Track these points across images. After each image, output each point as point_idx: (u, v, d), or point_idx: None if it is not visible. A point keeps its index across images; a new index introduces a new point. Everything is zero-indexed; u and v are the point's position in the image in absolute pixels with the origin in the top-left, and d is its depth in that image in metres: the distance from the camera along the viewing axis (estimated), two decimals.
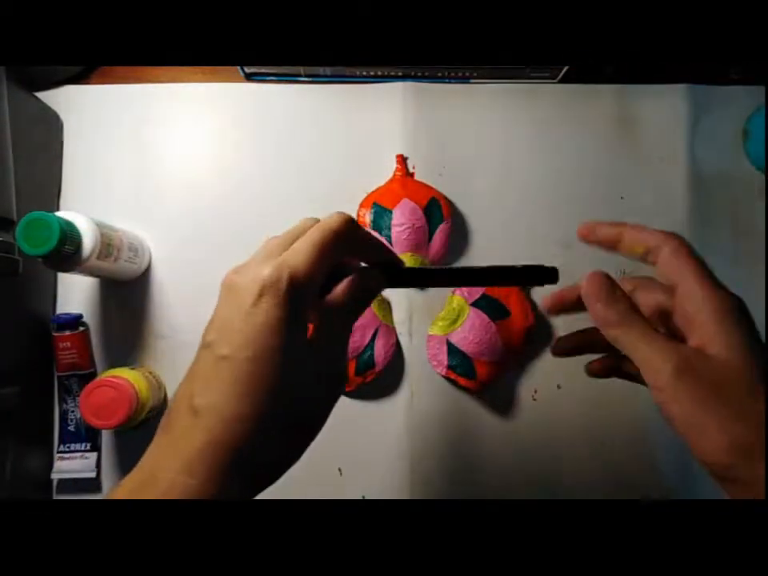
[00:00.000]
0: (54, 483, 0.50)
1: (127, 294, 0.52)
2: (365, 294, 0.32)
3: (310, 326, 0.30)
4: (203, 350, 0.30)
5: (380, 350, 0.50)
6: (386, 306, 0.52)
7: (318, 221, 0.32)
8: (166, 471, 0.27)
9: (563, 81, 0.55)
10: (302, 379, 0.28)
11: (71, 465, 0.49)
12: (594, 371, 0.37)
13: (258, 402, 0.26)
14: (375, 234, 0.52)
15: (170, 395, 0.51)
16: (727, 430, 0.28)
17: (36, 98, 0.52)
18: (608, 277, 0.31)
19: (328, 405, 0.30)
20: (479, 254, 0.53)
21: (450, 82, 0.55)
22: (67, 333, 0.49)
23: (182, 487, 0.26)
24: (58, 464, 0.50)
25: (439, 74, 0.54)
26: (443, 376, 0.51)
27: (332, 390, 0.31)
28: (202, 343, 0.30)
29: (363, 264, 0.33)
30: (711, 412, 0.28)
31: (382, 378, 0.51)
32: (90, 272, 0.46)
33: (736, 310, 0.30)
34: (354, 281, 0.31)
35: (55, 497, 0.50)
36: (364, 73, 0.54)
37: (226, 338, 0.28)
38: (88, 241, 0.42)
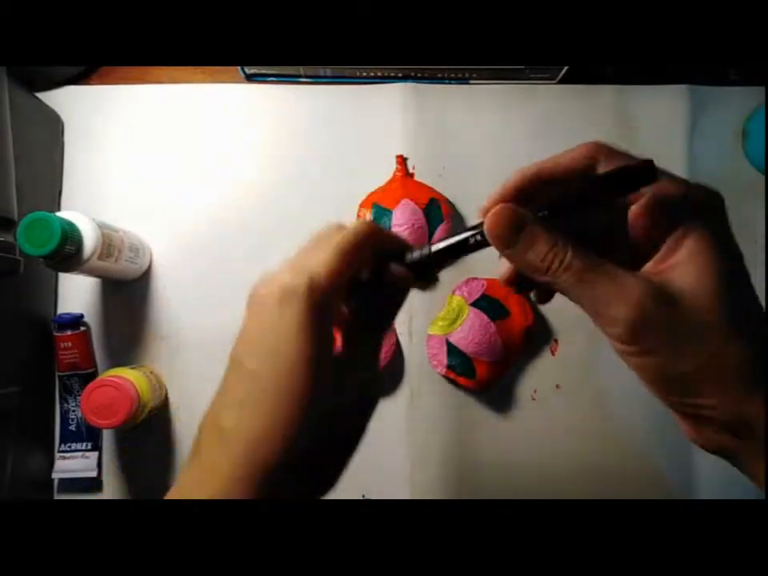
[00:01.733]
0: (55, 483, 0.51)
1: (128, 294, 0.52)
2: (392, 298, 0.29)
3: (337, 336, 0.28)
4: (231, 366, 0.27)
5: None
6: None
7: (341, 225, 0.31)
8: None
9: (563, 81, 0.55)
10: (331, 391, 0.26)
11: (72, 464, 0.50)
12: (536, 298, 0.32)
13: (284, 418, 0.24)
14: None
15: (170, 395, 0.51)
16: (705, 380, 0.25)
17: (36, 98, 0.52)
18: (513, 210, 0.26)
19: (363, 417, 0.28)
20: (479, 254, 0.53)
21: (450, 83, 0.55)
22: (68, 333, 0.50)
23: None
24: (59, 463, 0.50)
25: (439, 75, 0.54)
26: (443, 376, 0.51)
27: (365, 401, 0.28)
28: (230, 359, 0.28)
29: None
30: (680, 362, 0.24)
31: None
32: (90, 272, 0.46)
33: (716, 221, 0.26)
34: (381, 283, 0.29)
35: (56, 496, 0.51)
36: (364, 73, 0.54)
37: (250, 351, 0.26)
38: (89, 241, 0.42)
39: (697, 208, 0.26)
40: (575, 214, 0.26)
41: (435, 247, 0.29)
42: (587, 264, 0.25)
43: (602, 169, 0.27)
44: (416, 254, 0.29)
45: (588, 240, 0.26)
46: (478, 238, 0.28)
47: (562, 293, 0.26)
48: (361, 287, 0.29)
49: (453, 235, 0.29)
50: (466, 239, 0.28)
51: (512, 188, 0.29)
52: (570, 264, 0.25)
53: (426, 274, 0.30)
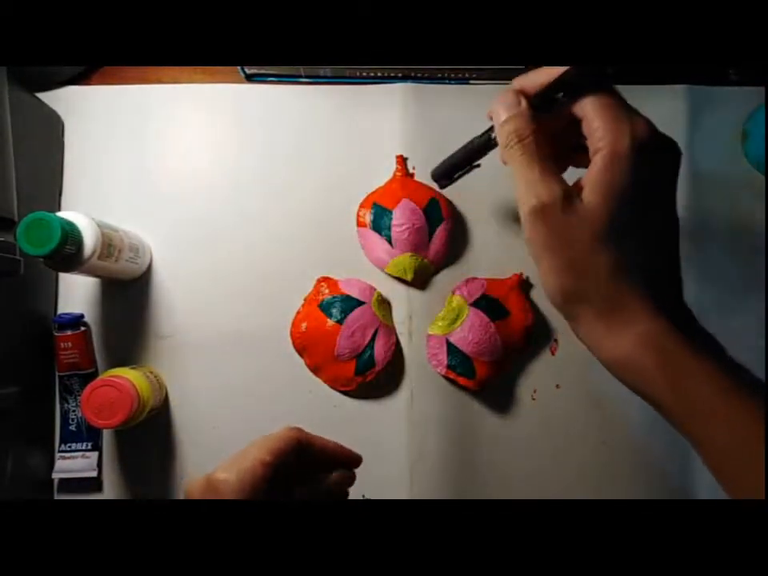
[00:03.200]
0: (55, 483, 0.51)
1: (128, 294, 0.52)
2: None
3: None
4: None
5: (380, 350, 0.51)
6: (386, 306, 0.52)
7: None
8: None
9: None
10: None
11: (72, 464, 0.50)
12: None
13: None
14: (375, 234, 0.52)
15: (170, 395, 0.52)
16: (561, 275, 0.29)
17: (37, 98, 0.52)
18: (515, 94, 0.32)
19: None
20: (479, 254, 0.54)
21: (449, 83, 0.55)
22: (68, 333, 0.50)
23: None
24: (59, 463, 0.50)
25: (439, 75, 0.54)
26: (443, 376, 0.51)
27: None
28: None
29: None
30: (555, 256, 0.29)
31: (382, 378, 0.51)
32: (90, 272, 0.46)
33: (641, 155, 0.29)
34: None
35: (56, 496, 0.51)
36: (364, 73, 0.54)
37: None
38: (89, 241, 0.42)
39: (622, 133, 0.29)
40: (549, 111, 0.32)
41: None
42: (532, 154, 0.30)
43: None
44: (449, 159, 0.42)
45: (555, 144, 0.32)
46: (492, 135, 0.36)
47: (509, 165, 0.31)
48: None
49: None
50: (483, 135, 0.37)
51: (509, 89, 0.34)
52: (524, 146, 0.30)
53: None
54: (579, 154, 0.34)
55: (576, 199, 0.29)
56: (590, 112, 0.30)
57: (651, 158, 0.29)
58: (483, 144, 0.38)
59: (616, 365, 0.30)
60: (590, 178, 0.29)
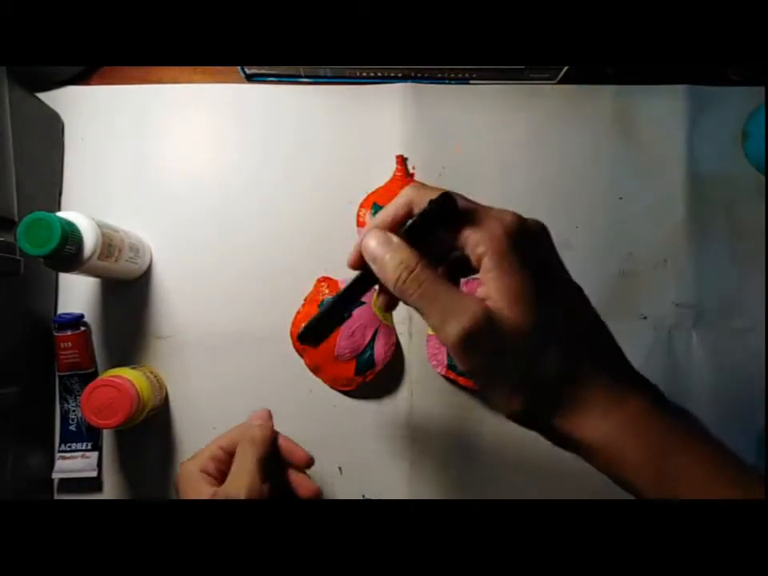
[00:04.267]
0: (55, 483, 0.51)
1: (128, 294, 0.52)
2: None
3: None
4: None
5: (380, 350, 0.51)
6: None
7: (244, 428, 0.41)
8: None
9: (563, 81, 0.55)
10: None
11: (72, 464, 0.50)
12: (381, 306, 0.35)
13: None
14: None
15: (170, 395, 0.52)
16: (518, 392, 0.28)
17: (37, 98, 0.52)
18: (381, 232, 0.29)
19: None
20: None
21: (449, 83, 0.55)
22: (68, 333, 0.50)
23: None
24: (59, 463, 0.50)
25: (439, 75, 0.54)
26: (443, 375, 0.51)
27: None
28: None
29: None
30: (502, 377, 0.27)
31: (382, 378, 0.51)
32: (91, 272, 0.46)
33: (520, 241, 0.28)
34: None
35: (56, 496, 0.51)
36: (364, 73, 0.54)
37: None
38: (89, 241, 0.42)
39: (497, 230, 0.28)
40: (423, 241, 0.30)
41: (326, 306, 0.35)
42: (431, 280, 0.28)
43: (416, 209, 0.31)
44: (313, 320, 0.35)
45: (439, 264, 0.32)
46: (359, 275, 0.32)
47: (413, 306, 0.29)
48: None
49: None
50: (357, 279, 0.32)
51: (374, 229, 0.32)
52: (417, 276, 0.28)
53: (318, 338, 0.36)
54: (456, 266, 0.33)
55: (494, 312, 0.27)
56: (457, 224, 0.29)
57: (528, 240, 0.28)
58: (357, 288, 0.33)
59: (600, 458, 0.28)
60: (490, 287, 0.27)
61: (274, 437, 0.42)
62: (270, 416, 0.43)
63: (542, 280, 0.28)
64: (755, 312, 0.53)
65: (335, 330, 0.37)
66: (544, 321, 0.27)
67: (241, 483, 0.36)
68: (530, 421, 0.29)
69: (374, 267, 0.30)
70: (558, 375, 0.27)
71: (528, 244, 0.28)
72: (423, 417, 0.51)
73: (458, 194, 0.30)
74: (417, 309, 0.28)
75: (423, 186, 0.31)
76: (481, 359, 0.27)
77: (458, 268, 0.33)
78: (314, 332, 0.35)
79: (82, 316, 0.51)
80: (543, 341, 0.27)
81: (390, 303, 0.34)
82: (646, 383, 0.29)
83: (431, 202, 0.29)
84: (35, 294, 0.50)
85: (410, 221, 0.30)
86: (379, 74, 0.54)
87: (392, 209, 0.31)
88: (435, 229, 0.30)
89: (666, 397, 0.29)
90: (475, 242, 0.28)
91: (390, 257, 0.29)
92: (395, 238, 0.29)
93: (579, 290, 0.30)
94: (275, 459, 0.41)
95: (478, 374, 0.28)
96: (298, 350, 0.52)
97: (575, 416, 0.28)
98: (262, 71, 0.54)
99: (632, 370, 0.29)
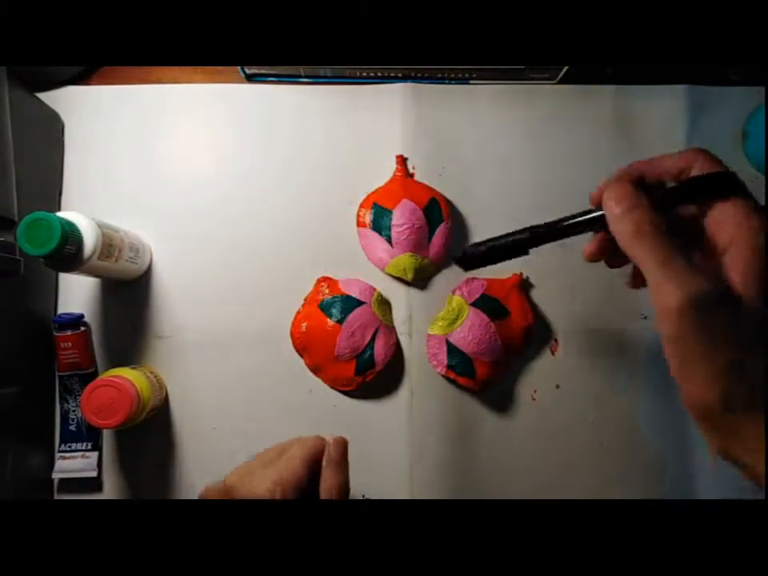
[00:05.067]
0: (55, 483, 0.51)
1: (128, 294, 0.52)
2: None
3: None
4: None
5: (380, 350, 0.51)
6: (386, 306, 0.52)
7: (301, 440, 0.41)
8: None
9: (562, 81, 0.55)
10: None
11: (72, 464, 0.50)
12: (587, 255, 0.34)
13: None
14: (375, 234, 0.52)
15: (170, 395, 0.52)
16: (722, 378, 0.26)
17: (37, 98, 0.52)
18: (632, 183, 0.29)
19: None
20: None
21: (449, 83, 0.55)
22: (68, 333, 0.50)
23: None
24: (59, 463, 0.50)
25: (439, 75, 0.55)
26: (443, 375, 0.51)
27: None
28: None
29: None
30: (709, 358, 0.26)
31: (382, 378, 0.51)
32: (91, 272, 0.46)
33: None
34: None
35: (56, 496, 0.51)
36: (364, 74, 0.54)
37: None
38: (89, 241, 0.42)
39: (760, 226, 0.27)
40: (671, 209, 0.29)
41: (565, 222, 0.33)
42: (670, 241, 0.27)
43: (695, 173, 0.30)
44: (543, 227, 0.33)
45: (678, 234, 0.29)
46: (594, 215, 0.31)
47: (632, 258, 0.28)
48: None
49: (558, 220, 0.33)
50: (592, 217, 0.31)
51: (624, 177, 0.31)
52: (656, 235, 0.27)
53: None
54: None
55: (729, 293, 0.26)
56: (720, 206, 0.28)
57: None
58: (573, 226, 0.32)
59: None
60: (739, 272, 0.26)
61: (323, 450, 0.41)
62: (345, 442, 0.42)
63: None
64: None
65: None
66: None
67: (287, 464, 0.37)
68: (717, 414, 0.26)
69: (610, 215, 0.29)
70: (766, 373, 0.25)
71: None
72: (423, 417, 0.51)
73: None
74: (643, 266, 0.27)
75: (710, 155, 0.30)
76: (694, 332, 0.26)
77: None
78: (489, 256, 0.35)
79: (82, 316, 0.51)
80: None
81: (599, 253, 0.33)
82: None
83: (710, 174, 0.29)
84: (35, 294, 0.50)
85: (669, 185, 0.30)
86: (379, 74, 0.55)
87: (661, 162, 0.31)
88: (693, 202, 0.29)
89: None
90: (741, 227, 0.27)
91: (641, 212, 0.28)
92: (645, 199, 0.28)
93: None
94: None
95: (684, 346, 0.26)
96: (297, 350, 0.52)
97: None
98: (262, 71, 0.54)
99: None
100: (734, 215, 0.28)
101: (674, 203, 0.29)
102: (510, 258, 0.35)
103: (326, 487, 0.40)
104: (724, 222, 0.28)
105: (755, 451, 0.25)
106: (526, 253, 0.34)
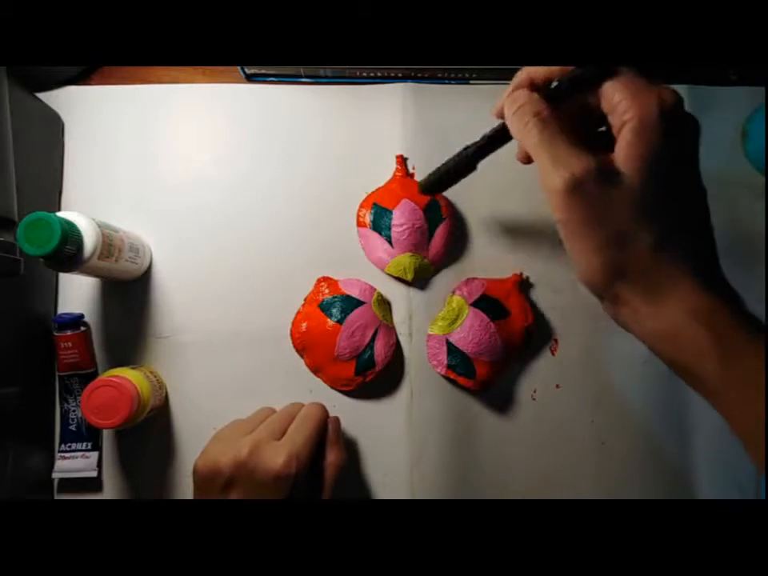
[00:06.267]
0: (55, 483, 0.51)
1: (128, 294, 0.52)
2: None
3: None
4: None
5: (380, 350, 0.50)
6: (386, 305, 0.52)
7: (301, 405, 0.46)
8: None
9: None
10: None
11: (72, 464, 0.50)
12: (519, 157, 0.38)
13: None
14: (375, 234, 0.52)
15: (170, 395, 0.52)
16: (603, 251, 0.28)
17: (37, 98, 0.52)
18: (521, 87, 0.32)
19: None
20: (479, 254, 0.54)
21: (449, 83, 0.55)
22: (68, 333, 0.50)
23: None
24: (59, 463, 0.50)
25: (439, 75, 0.54)
26: (443, 376, 0.51)
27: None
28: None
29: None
30: (595, 232, 0.28)
31: (382, 378, 0.51)
32: (90, 272, 0.46)
33: (670, 123, 0.28)
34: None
35: (56, 496, 0.51)
36: (364, 74, 0.54)
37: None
38: (89, 241, 0.42)
39: (649, 101, 0.28)
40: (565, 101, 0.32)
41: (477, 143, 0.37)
42: (556, 129, 0.29)
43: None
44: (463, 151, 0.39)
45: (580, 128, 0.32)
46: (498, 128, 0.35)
47: (530, 150, 0.30)
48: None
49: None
50: (501, 125, 0.35)
51: (515, 84, 0.34)
52: (542, 120, 0.29)
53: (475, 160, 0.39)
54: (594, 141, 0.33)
55: (611, 172, 0.27)
56: (608, 89, 0.29)
57: (678, 127, 0.29)
58: (496, 137, 0.36)
59: (663, 340, 0.28)
60: (621, 151, 0.28)
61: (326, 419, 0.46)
62: (338, 420, 0.48)
63: (675, 163, 0.28)
64: (755, 312, 0.53)
65: (457, 182, 0.40)
66: (660, 196, 0.27)
67: (298, 438, 0.40)
68: (602, 285, 0.29)
69: (507, 115, 0.31)
70: (650, 249, 0.27)
71: (677, 128, 0.28)
72: (423, 417, 0.51)
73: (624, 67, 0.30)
74: (533, 154, 0.29)
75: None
76: (579, 210, 0.27)
77: (591, 136, 0.33)
78: (443, 180, 0.39)
79: (81, 316, 0.51)
80: (650, 213, 0.27)
81: (525, 156, 0.35)
82: (731, 291, 0.29)
83: (585, 69, 0.31)
84: (35, 294, 0.50)
85: (556, 82, 0.32)
86: (379, 74, 0.55)
87: (543, 70, 0.33)
88: (583, 90, 0.31)
89: (745, 307, 0.29)
90: (624, 108, 0.28)
91: (527, 107, 0.30)
92: (535, 94, 0.31)
93: (705, 192, 0.30)
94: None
95: (571, 224, 0.28)
96: (297, 350, 0.52)
97: (648, 296, 0.28)
98: (262, 71, 0.54)
99: (720, 276, 0.30)
100: (624, 97, 0.29)
101: (561, 97, 0.32)
102: (460, 177, 0.40)
103: (330, 461, 0.43)
104: (618, 104, 0.29)
105: (637, 314, 0.28)
106: (473, 168, 0.39)
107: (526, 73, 0.33)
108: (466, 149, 0.38)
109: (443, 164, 0.38)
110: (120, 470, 0.51)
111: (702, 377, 0.28)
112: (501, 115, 0.34)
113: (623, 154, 0.28)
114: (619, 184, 0.27)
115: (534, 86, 0.33)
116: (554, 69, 0.33)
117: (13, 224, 0.44)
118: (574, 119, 0.32)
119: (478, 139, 0.37)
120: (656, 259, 0.28)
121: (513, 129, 0.31)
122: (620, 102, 0.29)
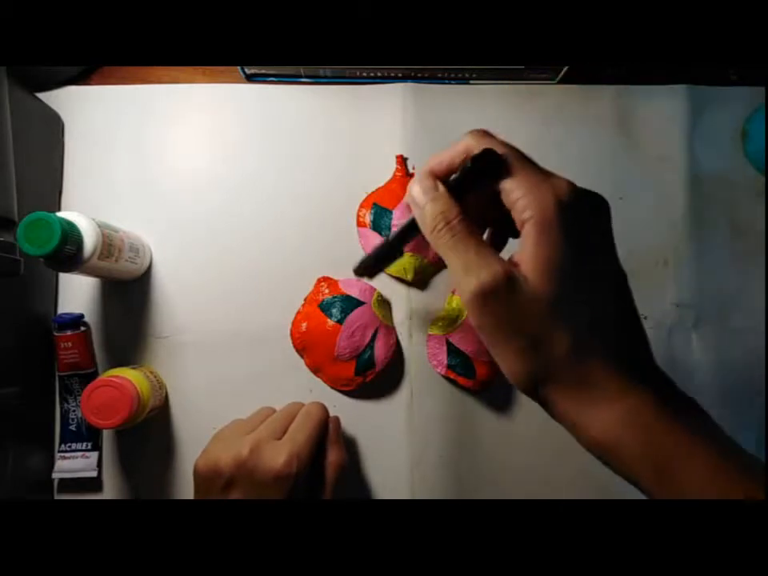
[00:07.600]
0: (55, 483, 0.51)
1: (128, 294, 0.52)
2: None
3: None
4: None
5: (380, 350, 0.51)
6: (386, 306, 0.52)
7: (302, 405, 0.47)
8: None
9: (563, 81, 0.55)
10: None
11: (72, 464, 0.50)
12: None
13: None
14: (375, 234, 0.52)
15: (170, 395, 0.52)
16: (522, 357, 0.27)
17: (37, 98, 0.52)
18: (430, 175, 0.30)
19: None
20: None
21: (450, 83, 0.55)
22: (68, 333, 0.50)
23: None
24: (59, 463, 0.50)
25: (439, 75, 0.54)
26: (443, 376, 0.51)
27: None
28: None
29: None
30: (510, 339, 0.27)
31: (382, 378, 0.51)
32: (91, 272, 0.46)
33: (569, 214, 0.27)
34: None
35: (56, 496, 0.51)
36: (364, 74, 0.54)
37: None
38: (89, 241, 0.42)
39: (545, 197, 0.27)
40: (468, 194, 0.30)
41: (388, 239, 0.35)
42: (465, 234, 0.28)
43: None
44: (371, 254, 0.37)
45: (487, 225, 0.32)
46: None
47: (443, 256, 0.29)
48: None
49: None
50: (409, 222, 0.32)
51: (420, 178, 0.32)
52: (453, 227, 0.28)
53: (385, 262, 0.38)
54: (505, 228, 0.33)
55: (518, 277, 0.27)
56: (507, 184, 0.28)
57: (581, 215, 0.28)
58: (406, 231, 0.33)
59: (596, 446, 0.27)
60: (525, 253, 0.27)
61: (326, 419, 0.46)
62: (338, 420, 0.48)
63: (582, 256, 0.27)
64: (755, 311, 0.53)
65: (389, 265, 0.39)
66: (569, 296, 0.26)
67: (299, 437, 0.41)
68: (528, 389, 0.28)
69: (415, 212, 0.30)
70: (567, 352, 0.26)
71: (578, 218, 0.27)
72: (423, 417, 0.51)
73: (517, 152, 0.29)
74: (445, 259, 0.29)
75: (486, 134, 0.31)
76: (491, 318, 0.27)
77: (503, 232, 0.33)
78: (371, 268, 0.38)
79: (81, 316, 0.51)
80: (562, 315, 0.26)
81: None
82: (661, 379, 0.28)
83: (473, 158, 0.29)
84: (35, 294, 0.50)
85: (454, 175, 0.30)
86: (379, 74, 0.55)
87: (447, 155, 0.31)
88: (480, 185, 0.29)
89: (679, 392, 0.28)
90: (523, 206, 0.27)
91: (431, 206, 0.29)
92: (441, 187, 0.29)
93: (623, 277, 0.29)
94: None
95: (486, 332, 0.28)
96: (297, 350, 0.52)
97: (576, 400, 0.27)
98: (262, 71, 0.54)
99: (650, 364, 0.28)
100: (521, 195, 0.27)
101: (460, 192, 0.30)
102: (389, 263, 0.38)
103: (331, 461, 0.43)
104: (516, 202, 0.28)
105: (569, 418, 0.27)
106: (400, 254, 0.36)
107: (429, 165, 0.32)
108: (387, 237, 0.37)
109: (372, 250, 0.37)
110: (120, 470, 0.51)
111: (640, 483, 0.27)
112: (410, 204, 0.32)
113: (527, 255, 0.27)
114: (527, 290, 0.26)
115: (438, 178, 0.31)
116: (456, 160, 0.31)
117: (13, 224, 0.45)
118: (487, 204, 0.30)
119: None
120: (578, 362, 0.26)
121: (423, 229, 0.30)
122: (518, 200, 0.27)
